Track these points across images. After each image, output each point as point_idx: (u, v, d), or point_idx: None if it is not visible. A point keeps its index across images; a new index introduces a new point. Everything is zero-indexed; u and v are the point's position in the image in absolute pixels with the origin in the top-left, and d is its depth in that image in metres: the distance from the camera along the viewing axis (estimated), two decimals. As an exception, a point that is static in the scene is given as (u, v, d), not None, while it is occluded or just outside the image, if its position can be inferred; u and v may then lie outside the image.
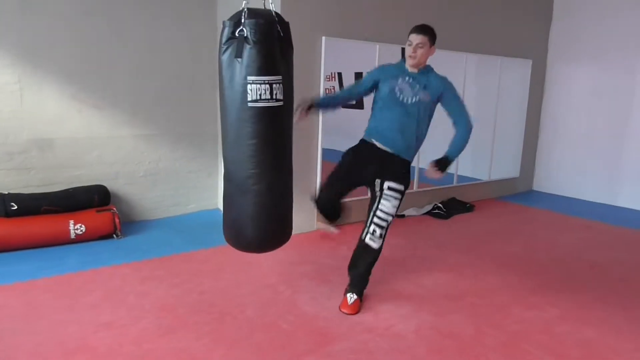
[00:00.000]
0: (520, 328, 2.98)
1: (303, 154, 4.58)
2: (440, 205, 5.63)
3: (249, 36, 2.18)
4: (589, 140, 6.55)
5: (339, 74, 7.66)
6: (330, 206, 3.28)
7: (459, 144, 3.08)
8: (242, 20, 2.19)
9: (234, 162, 2.38)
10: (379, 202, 3.04)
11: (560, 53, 6.78)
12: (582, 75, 6.58)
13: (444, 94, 3.00)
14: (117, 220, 4.31)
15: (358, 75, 6.53)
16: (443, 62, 5.60)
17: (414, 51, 2.93)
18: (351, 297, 3.11)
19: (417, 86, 2.96)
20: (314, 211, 4.74)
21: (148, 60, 4.72)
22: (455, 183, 6.03)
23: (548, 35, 6.86)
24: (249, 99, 2.26)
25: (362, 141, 3.11)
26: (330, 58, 4.60)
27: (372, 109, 3.11)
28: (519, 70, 6.56)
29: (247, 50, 2.19)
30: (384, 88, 3.01)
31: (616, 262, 4.22)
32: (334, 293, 3.35)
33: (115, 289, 3.31)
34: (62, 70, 4.30)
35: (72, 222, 4.11)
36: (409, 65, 3.00)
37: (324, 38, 4.52)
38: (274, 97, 2.29)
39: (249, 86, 2.25)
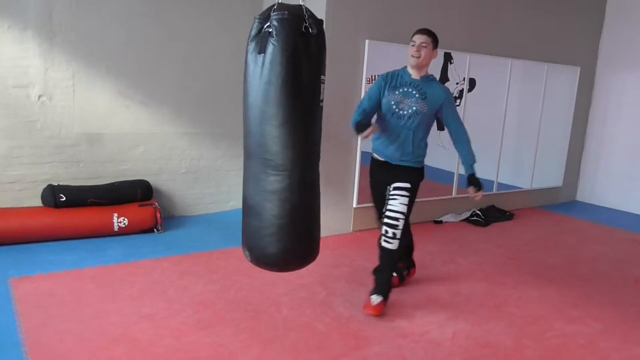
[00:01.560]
0: (561, 342, 2.90)
1: (341, 157, 4.59)
2: (478, 212, 5.55)
3: (272, 31, 2.09)
4: (638, 152, 6.31)
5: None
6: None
7: (469, 159, 3.19)
8: (270, 15, 2.12)
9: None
10: (388, 203, 3.09)
11: (610, 60, 6.56)
12: (633, 84, 6.34)
13: (443, 107, 3.05)
14: (158, 215, 4.43)
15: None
16: (487, 67, 5.58)
17: (418, 50, 2.98)
18: (375, 299, 3.08)
19: (417, 95, 3.01)
20: (351, 213, 4.76)
21: (194, 60, 4.82)
22: (495, 190, 5.92)
23: (598, 41, 6.65)
24: (321, 97, 2.24)
25: (372, 160, 3.28)
26: (372, 61, 4.59)
27: (380, 137, 3.18)
28: (566, 77, 6.39)
29: (270, 45, 2.10)
30: (384, 100, 3.08)
31: (664, 279, 4.06)
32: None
33: (155, 282, 3.40)
34: (112, 68, 4.45)
35: (116, 215, 4.25)
36: (411, 65, 3.04)
37: (367, 41, 4.52)
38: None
39: (322, 85, 2.23)
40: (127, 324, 2.82)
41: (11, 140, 4.13)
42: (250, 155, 2.22)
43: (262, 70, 2.11)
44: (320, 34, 2.21)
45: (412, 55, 3.00)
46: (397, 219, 3.04)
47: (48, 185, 4.20)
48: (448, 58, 5.13)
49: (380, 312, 3.07)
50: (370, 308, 3.07)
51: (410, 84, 3.04)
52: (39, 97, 4.18)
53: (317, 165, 2.32)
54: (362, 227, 4.86)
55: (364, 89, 4.59)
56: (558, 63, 6.18)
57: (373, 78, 8.00)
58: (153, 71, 4.64)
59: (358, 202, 4.76)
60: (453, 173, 5.46)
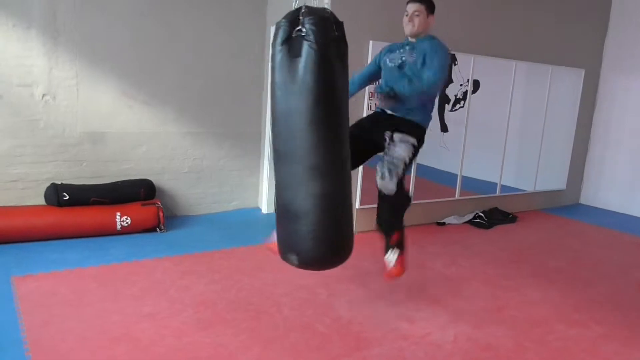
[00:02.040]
0: (563, 345, 2.89)
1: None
2: (481, 214, 5.53)
3: (307, 35, 2.07)
4: (642, 155, 6.29)
5: (383, 78, 7.63)
6: None
7: (417, 90, 2.90)
8: (300, 19, 2.10)
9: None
10: (389, 148, 2.92)
11: (615, 63, 6.53)
12: (638, 87, 6.32)
13: (427, 53, 2.91)
14: (161, 215, 4.44)
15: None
16: (491, 69, 5.57)
17: (410, 20, 2.97)
18: (391, 257, 2.95)
19: (407, 50, 3.01)
20: (354, 214, 4.75)
21: (197, 60, 4.83)
22: (498, 193, 5.90)
23: (603, 44, 6.62)
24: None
25: (377, 110, 3.20)
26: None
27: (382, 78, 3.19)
28: (570, 80, 6.36)
29: (306, 49, 2.07)
30: (382, 64, 3.15)
31: (667, 282, 4.04)
32: (371, 298, 3.34)
33: (157, 282, 3.41)
34: (116, 67, 4.46)
35: (118, 214, 4.26)
36: (406, 34, 3.05)
37: (371, 42, 4.52)
38: None
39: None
40: (128, 323, 2.82)
41: (14, 139, 4.15)
42: (286, 160, 2.20)
43: (298, 75, 2.09)
44: (344, 36, 2.24)
45: (406, 25, 3.01)
46: (397, 165, 2.88)
47: (51, 184, 4.21)
48: (452, 59, 5.12)
49: (403, 268, 2.95)
50: (389, 272, 2.95)
51: (406, 45, 3.06)
52: (43, 96, 4.19)
53: (349, 166, 2.37)
54: (365, 228, 4.84)
55: (367, 90, 4.59)
56: (562, 65, 6.16)
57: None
58: (156, 71, 4.65)
59: (361, 204, 4.76)
60: (456, 175, 5.45)
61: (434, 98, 3.13)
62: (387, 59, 3.10)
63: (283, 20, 2.16)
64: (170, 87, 4.75)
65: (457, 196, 5.52)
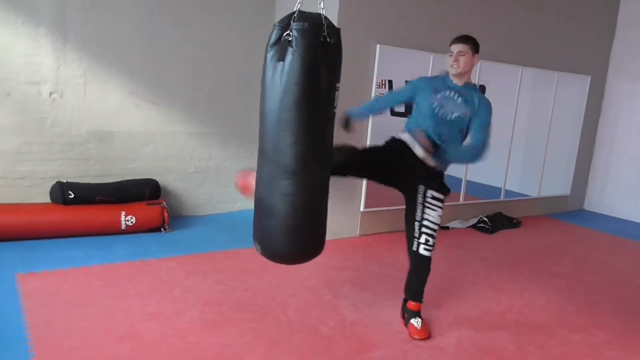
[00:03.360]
0: (566, 350, 2.89)
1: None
2: (485, 219, 5.53)
3: (292, 40, 2.12)
4: (647, 162, 6.28)
5: (390, 82, 7.64)
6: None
7: (464, 151, 2.93)
8: (290, 24, 2.14)
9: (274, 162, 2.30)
10: (424, 211, 2.92)
11: (621, 70, 6.52)
12: (644, 94, 6.32)
13: (478, 111, 2.86)
14: (165, 214, 4.45)
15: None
16: (498, 74, 5.57)
17: (456, 60, 2.86)
18: (417, 322, 2.94)
19: (460, 100, 2.86)
20: (358, 217, 4.76)
21: (205, 60, 4.85)
22: (502, 197, 5.90)
23: (609, 51, 6.62)
24: (335, 105, 2.30)
25: (404, 143, 2.99)
26: (383, 65, 4.60)
27: (412, 111, 3.06)
28: (576, 86, 6.36)
29: (289, 55, 2.13)
30: (422, 101, 2.95)
31: (671, 290, 4.03)
32: (374, 300, 3.35)
33: (162, 281, 3.41)
34: (124, 66, 4.48)
35: (123, 213, 4.27)
36: (452, 75, 2.93)
37: (378, 46, 4.53)
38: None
39: (336, 93, 2.28)
40: (132, 322, 2.83)
41: (21, 137, 4.17)
42: (265, 158, 2.30)
43: (281, 78, 2.17)
44: (338, 42, 2.26)
45: (452, 66, 2.89)
46: (435, 230, 2.95)
47: (57, 182, 4.23)
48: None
49: (429, 332, 2.95)
50: (417, 332, 2.91)
51: (452, 89, 2.91)
52: (50, 94, 4.21)
53: (329, 169, 2.41)
54: (369, 231, 4.86)
55: (374, 93, 4.60)
56: (568, 72, 6.16)
57: (383, 82, 8.03)
58: (164, 71, 4.67)
59: (365, 206, 4.77)
60: (460, 179, 5.45)
61: None
62: (432, 102, 2.90)
63: (277, 23, 2.22)
64: (177, 87, 4.76)
65: (461, 200, 5.52)
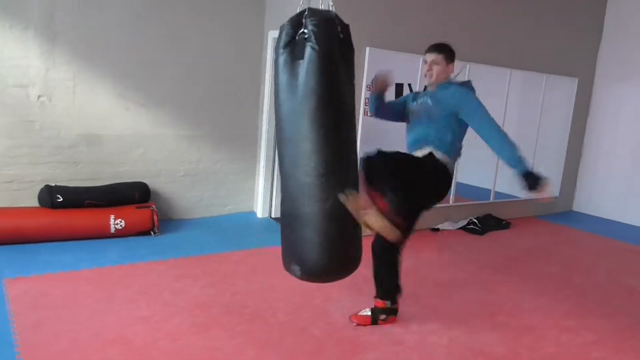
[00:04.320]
0: (555, 351, 2.91)
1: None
2: (475, 220, 5.56)
3: (310, 36, 2.05)
4: (635, 164, 6.34)
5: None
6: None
7: (508, 153, 2.80)
8: (304, 21, 2.08)
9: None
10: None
11: (608, 72, 6.60)
12: (631, 96, 6.39)
13: (460, 109, 2.82)
14: (155, 218, 4.43)
15: (398, 87, 6.52)
16: (487, 77, 5.60)
17: (429, 69, 2.89)
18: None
19: (430, 102, 2.90)
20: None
21: (195, 63, 4.84)
22: (492, 199, 5.94)
23: (597, 54, 6.69)
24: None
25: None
26: (372, 68, 4.61)
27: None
28: (564, 89, 6.42)
29: (309, 50, 2.05)
30: (408, 113, 3.07)
31: (658, 290, 4.08)
32: (365, 303, 3.34)
33: (152, 285, 3.40)
34: (114, 70, 4.46)
35: (112, 216, 4.25)
36: (427, 84, 3.00)
37: (368, 48, 4.54)
38: None
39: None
40: (122, 326, 2.81)
41: (9, 140, 4.13)
42: (289, 165, 2.15)
43: (300, 78, 2.06)
44: (350, 38, 2.21)
45: (424, 75, 2.94)
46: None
47: (45, 186, 4.20)
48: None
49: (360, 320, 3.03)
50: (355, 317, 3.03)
51: (426, 96, 2.96)
52: (39, 97, 4.18)
53: (357, 169, 2.35)
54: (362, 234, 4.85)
55: (363, 95, 4.61)
56: (556, 74, 6.22)
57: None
58: (154, 73, 4.65)
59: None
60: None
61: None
62: (411, 111, 3.01)
63: (286, 23, 2.14)
64: (167, 89, 4.75)
65: (451, 202, 5.54)
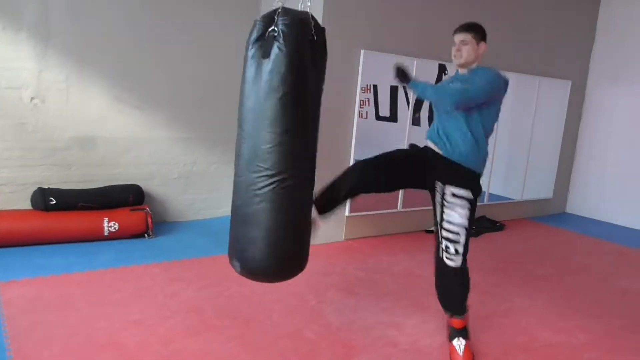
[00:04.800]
0: (549, 352, 2.92)
1: (334, 166, 4.59)
2: (469, 222, 5.57)
3: (279, 35, 2.01)
4: (628, 166, 6.38)
5: (374, 86, 7.69)
6: (341, 194, 2.81)
7: (428, 87, 2.69)
8: (275, 19, 2.04)
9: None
10: (442, 211, 2.64)
11: (601, 75, 6.64)
12: (624, 99, 6.43)
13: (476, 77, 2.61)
14: (149, 220, 4.41)
15: (393, 89, 6.54)
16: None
17: (458, 49, 2.68)
18: (459, 343, 2.69)
19: (459, 85, 2.64)
20: (343, 222, 4.77)
21: (190, 66, 4.83)
22: (486, 201, 5.95)
23: (590, 56, 6.73)
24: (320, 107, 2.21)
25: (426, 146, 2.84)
26: (367, 70, 4.63)
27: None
28: (557, 91, 6.46)
29: (275, 50, 2.02)
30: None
31: (651, 291, 4.10)
32: (360, 305, 3.35)
33: (145, 288, 3.38)
34: (107, 72, 4.44)
35: (106, 219, 4.23)
36: (456, 66, 2.76)
37: (362, 51, 4.55)
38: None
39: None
40: (115, 329, 2.80)
41: (2, 142, 4.10)
42: (244, 161, 2.12)
43: (265, 76, 2.02)
44: (324, 42, 2.18)
45: (454, 56, 2.71)
46: (458, 233, 2.61)
47: (38, 188, 4.17)
48: (443, 69, 5.18)
49: (471, 356, 2.71)
50: (459, 357, 2.67)
51: (458, 79, 2.74)
52: (32, 99, 4.16)
53: (314, 174, 2.27)
54: (354, 235, 4.87)
55: (358, 98, 4.62)
56: (550, 77, 6.26)
57: (368, 87, 8.08)
58: (148, 76, 4.64)
59: (350, 211, 4.77)
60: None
61: (488, 137, 2.74)
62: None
63: (259, 19, 2.13)
64: (161, 92, 4.73)
65: (445, 204, 5.54)
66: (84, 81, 4.36)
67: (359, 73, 4.58)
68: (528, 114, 6.22)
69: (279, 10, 2.06)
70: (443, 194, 2.65)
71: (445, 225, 2.64)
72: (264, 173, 2.05)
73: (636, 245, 5.50)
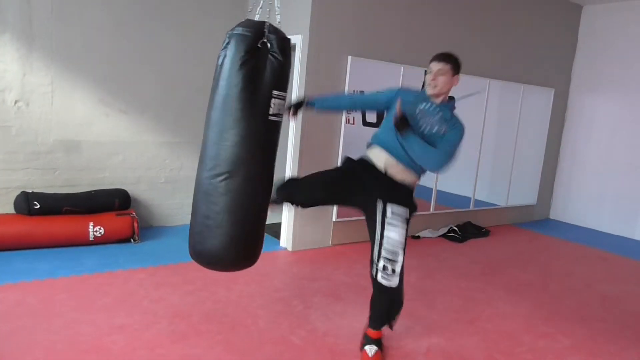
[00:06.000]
0: (532, 357, 2.95)
1: (322, 168, 4.61)
2: (455, 228, 5.62)
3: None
4: (609, 172, 6.50)
5: (362, 92, 7.73)
6: (287, 199, 2.85)
7: (422, 149, 2.57)
8: (265, 32, 2.29)
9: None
10: (383, 229, 2.64)
11: (583, 83, 6.77)
12: (605, 106, 6.56)
13: (452, 129, 2.63)
14: (135, 225, 4.38)
15: (379, 95, 6.57)
16: (466, 87, 5.68)
17: (434, 78, 2.64)
18: (371, 349, 2.75)
19: (439, 116, 2.65)
20: (330, 227, 4.78)
21: (176, 70, 4.82)
22: (471, 207, 6.01)
23: (572, 65, 6.86)
24: (271, 112, 2.36)
25: (362, 160, 2.80)
26: (354, 77, 4.66)
27: (382, 125, 2.82)
28: (540, 98, 6.56)
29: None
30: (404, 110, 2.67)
31: (630, 295, 4.17)
32: (346, 311, 3.36)
33: (130, 293, 3.36)
34: (93, 75, 4.41)
35: (91, 224, 4.19)
36: (428, 93, 2.69)
37: (349, 57, 4.58)
38: (280, 112, 2.44)
39: (272, 100, 2.35)
40: (99, 334, 2.77)
41: (-15, 146, 4.06)
42: (202, 156, 2.48)
43: (220, 81, 2.35)
44: (283, 50, 2.35)
45: (429, 84, 2.66)
46: (396, 252, 2.63)
47: (21, 192, 4.12)
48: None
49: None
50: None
51: (430, 105, 2.68)
52: (15, 102, 4.12)
53: (253, 173, 2.39)
54: (341, 241, 4.88)
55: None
56: (533, 84, 6.36)
57: (355, 93, 8.09)
58: (134, 79, 4.62)
59: (337, 216, 4.79)
60: (431, 189, 5.53)
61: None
62: (418, 115, 2.65)
63: (248, 30, 2.31)
64: (148, 96, 4.72)
65: (431, 210, 5.60)
66: (69, 84, 4.32)
67: (347, 79, 4.61)
68: (512, 120, 6.31)
69: (267, 24, 2.33)
70: (384, 212, 2.65)
71: (385, 244, 2.63)
72: (209, 168, 2.41)
73: (617, 251, 5.59)
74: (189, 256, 2.56)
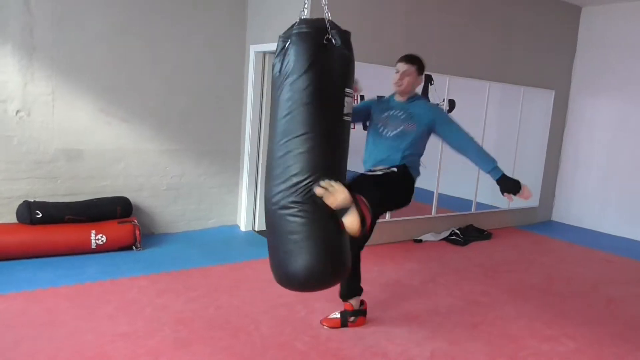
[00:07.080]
0: (536, 361, 2.94)
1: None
2: (457, 231, 5.61)
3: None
4: (611, 174, 6.48)
5: (362, 97, 7.75)
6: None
7: (487, 161, 3.01)
8: (329, 28, 2.13)
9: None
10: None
11: (583, 85, 6.76)
12: (606, 108, 6.55)
13: (436, 123, 2.93)
14: (137, 233, 4.38)
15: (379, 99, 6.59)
16: (466, 89, 5.71)
17: (400, 79, 2.94)
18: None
19: (403, 116, 2.94)
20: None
21: (177, 78, 4.84)
22: (473, 210, 6.00)
23: (572, 66, 6.86)
24: (345, 112, 2.20)
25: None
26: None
27: (368, 140, 3.11)
28: (541, 101, 6.56)
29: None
30: (373, 121, 3.06)
31: (635, 298, 4.15)
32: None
33: (133, 301, 3.36)
34: (94, 84, 4.43)
35: (93, 232, 4.19)
36: (395, 92, 3.03)
37: (349, 62, 4.58)
38: (351, 111, 2.30)
39: (346, 98, 2.19)
40: (102, 342, 2.77)
41: (-13, 155, 4.07)
42: (270, 171, 2.18)
43: (283, 87, 2.10)
44: (346, 45, 2.21)
45: (394, 84, 2.98)
46: None
47: (24, 202, 4.13)
48: (429, 79, 5.24)
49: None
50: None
51: (396, 107, 3.01)
52: (17, 112, 4.14)
53: (335, 178, 2.17)
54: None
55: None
56: (534, 87, 6.36)
57: (356, 99, 8.10)
58: (135, 88, 4.64)
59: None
60: (432, 192, 5.53)
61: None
62: (377, 122, 3.01)
63: (280, 35, 2.19)
64: (149, 103, 4.73)
65: (433, 213, 5.59)
66: (70, 93, 4.34)
67: (347, 84, 4.61)
68: (513, 123, 6.31)
69: (296, 22, 2.18)
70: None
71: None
72: (290, 181, 2.12)
73: (621, 253, 5.57)
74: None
